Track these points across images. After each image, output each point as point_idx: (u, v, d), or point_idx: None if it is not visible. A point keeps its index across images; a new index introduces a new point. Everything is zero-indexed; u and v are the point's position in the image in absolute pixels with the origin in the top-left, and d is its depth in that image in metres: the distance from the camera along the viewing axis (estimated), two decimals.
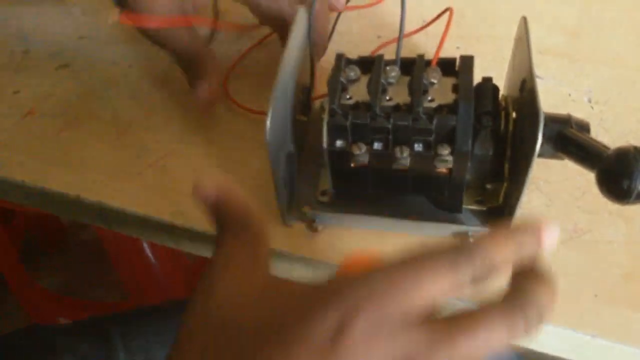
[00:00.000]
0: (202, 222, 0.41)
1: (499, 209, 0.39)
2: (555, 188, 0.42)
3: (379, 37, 0.52)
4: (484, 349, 0.25)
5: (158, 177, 0.44)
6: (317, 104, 0.45)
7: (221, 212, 0.31)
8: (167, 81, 0.50)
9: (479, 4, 0.54)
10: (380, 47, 0.50)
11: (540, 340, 0.37)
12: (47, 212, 0.48)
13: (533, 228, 0.27)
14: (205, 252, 0.42)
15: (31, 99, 0.50)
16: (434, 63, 0.37)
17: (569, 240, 0.39)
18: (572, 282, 0.37)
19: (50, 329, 0.57)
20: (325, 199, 0.41)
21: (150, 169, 0.44)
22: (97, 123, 0.48)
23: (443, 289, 0.26)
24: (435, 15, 0.44)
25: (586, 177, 0.42)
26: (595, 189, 0.42)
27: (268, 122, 0.34)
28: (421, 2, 0.53)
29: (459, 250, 0.26)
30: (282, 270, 0.41)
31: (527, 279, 0.27)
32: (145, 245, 1.00)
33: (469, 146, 0.35)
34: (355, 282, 0.26)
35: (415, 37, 0.49)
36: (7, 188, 0.46)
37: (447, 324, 0.25)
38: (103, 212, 0.43)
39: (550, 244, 0.28)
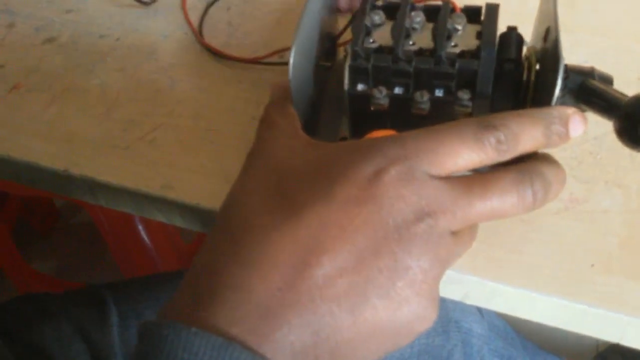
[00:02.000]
0: (192, 196, 0.40)
1: (518, 158, 0.39)
2: None
3: None
4: (497, 212, 0.29)
5: (147, 151, 0.43)
6: (341, 51, 0.45)
7: (273, 92, 0.37)
8: (155, 54, 0.49)
9: None
10: None
11: (538, 310, 0.37)
12: (40, 195, 0.47)
13: (561, 113, 0.31)
14: (196, 226, 0.42)
15: (17, 74, 0.49)
16: (458, 10, 0.38)
17: (565, 210, 0.39)
18: (568, 252, 0.37)
19: (46, 296, 0.57)
20: None
21: (139, 142, 0.44)
22: (85, 97, 0.47)
23: (468, 153, 0.29)
24: None
25: (582, 147, 0.42)
26: (589, 159, 0.42)
27: (291, 65, 0.34)
28: None
29: (485, 121, 0.30)
30: None
31: (539, 159, 0.31)
32: (139, 226, 1.00)
33: (489, 91, 0.35)
34: (389, 141, 0.30)
35: None
36: None
37: (466, 185, 0.29)
38: (92, 187, 0.43)
39: (576, 131, 0.32)
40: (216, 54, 0.49)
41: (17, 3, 0.55)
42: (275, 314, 0.27)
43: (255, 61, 0.48)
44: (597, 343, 1.06)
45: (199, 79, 0.47)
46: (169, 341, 0.26)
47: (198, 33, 0.50)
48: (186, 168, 0.42)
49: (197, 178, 0.41)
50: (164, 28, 0.51)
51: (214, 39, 0.50)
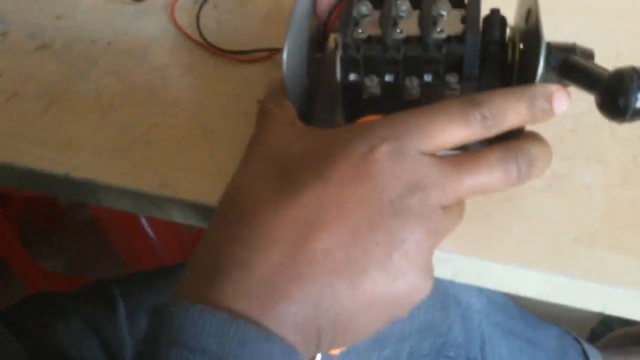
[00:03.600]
0: (189, 192, 0.42)
1: (507, 136, 0.40)
2: None
3: None
4: (484, 186, 0.31)
5: (143, 151, 0.44)
6: (332, 41, 0.46)
7: (270, 86, 0.39)
8: (146, 57, 0.51)
9: None
10: None
11: (525, 284, 0.38)
12: (43, 195, 0.48)
13: (545, 89, 0.33)
14: (194, 220, 0.43)
15: (13, 82, 0.50)
16: None
17: (548, 186, 0.40)
18: (552, 227, 0.38)
19: (59, 295, 0.59)
20: None
21: (136, 143, 0.45)
22: (81, 102, 0.48)
23: (455, 129, 0.31)
24: None
25: (563, 125, 0.43)
26: (571, 136, 0.43)
27: (284, 59, 0.36)
28: None
29: (470, 99, 0.32)
30: None
31: (526, 137, 0.33)
32: (143, 220, 1.01)
33: (476, 73, 0.37)
34: (380, 122, 0.32)
35: None
36: None
37: (455, 162, 0.31)
38: (93, 189, 0.44)
39: (561, 107, 0.33)
40: (210, 51, 0.50)
41: (8, 11, 0.56)
42: (277, 287, 0.29)
43: (250, 59, 0.49)
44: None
45: (191, 78, 0.49)
46: (176, 318, 0.27)
47: (192, 32, 0.52)
48: (182, 166, 0.43)
49: (194, 175, 0.43)
50: (154, 29, 0.53)
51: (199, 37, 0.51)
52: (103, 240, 1.10)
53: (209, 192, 0.42)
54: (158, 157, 0.44)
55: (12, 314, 0.55)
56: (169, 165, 0.44)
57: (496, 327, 0.70)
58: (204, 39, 0.51)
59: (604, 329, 1.04)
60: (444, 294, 0.66)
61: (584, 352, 0.81)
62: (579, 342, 0.82)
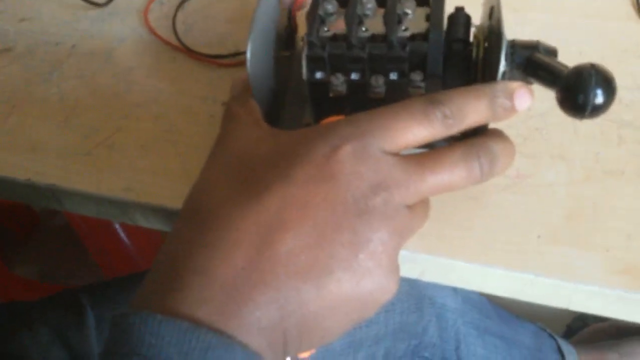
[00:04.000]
0: (153, 196, 0.41)
1: (471, 134, 0.41)
2: None
3: None
4: (447, 184, 0.32)
5: (108, 155, 0.44)
6: (299, 39, 0.46)
7: (234, 87, 0.39)
8: (111, 60, 0.50)
9: None
10: None
11: (490, 283, 0.38)
12: (16, 202, 0.47)
13: (506, 86, 0.33)
14: (158, 225, 0.43)
15: None
16: None
17: (512, 185, 0.40)
18: (515, 225, 0.39)
19: (26, 304, 0.58)
20: None
21: (99, 147, 0.44)
22: (44, 106, 0.47)
23: (417, 128, 0.31)
24: None
25: (526, 124, 0.44)
26: (536, 135, 0.43)
27: (248, 58, 0.36)
28: None
29: (432, 97, 0.32)
30: None
31: (488, 135, 0.34)
32: (117, 226, 1.00)
33: (440, 71, 0.37)
34: (343, 122, 0.32)
35: None
36: None
37: (418, 161, 0.31)
38: (55, 194, 0.43)
39: (523, 103, 0.33)
40: (184, 53, 0.49)
41: None
42: (240, 292, 0.28)
43: (217, 63, 0.49)
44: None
45: (156, 81, 0.48)
46: (136, 329, 0.27)
47: (161, 34, 0.51)
48: (147, 170, 0.43)
49: (159, 179, 0.43)
50: (119, 32, 0.52)
51: (169, 39, 0.51)
52: (78, 247, 1.09)
53: (174, 196, 0.42)
54: (122, 161, 0.44)
55: None
56: (133, 169, 0.43)
57: (471, 326, 0.71)
58: (180, 41, 0.50)
59: (580, 324, 1.05)
60: (419, 295, 0.66)
61: (559, 349, 0.82)
62: (554, 338, 0.82)
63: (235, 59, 0.49)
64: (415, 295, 0.66)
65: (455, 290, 0.71)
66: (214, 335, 0.27)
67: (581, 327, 1.04)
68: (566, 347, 0.82)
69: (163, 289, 0.29)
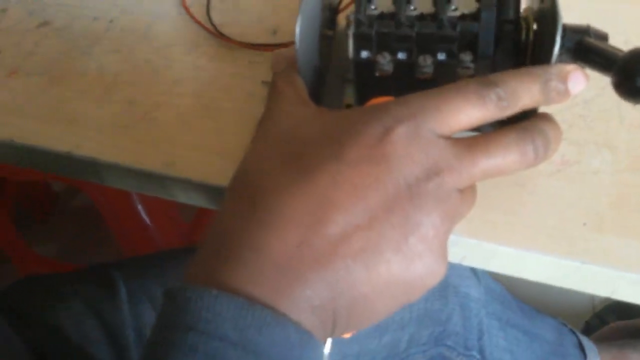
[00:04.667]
0: (193, 172, 0.41)
1: (519, 118, 0.40)
2: None
3: None
4: (500, 168, 0.31)
5: (148, 130, 0.44)
6: (342, 19, 0.45)
7: (277, 60, 0.39)
8: (149, 35, 0.50)
9: None
10: None
11: (533, 269, 0.38)
12: (37, 179, 0.48)
13: (560, 70, 0.33)
14: (198, 200, 0.43)
15: (14, 59, 0.49)
16: None
17: (557, 172, 0.40)
18: (561, 212, 0.38)
19: (54, 276, 0.58)
20: None
21: (140, 122, 0.44)
22: (83, 79, 0.47)
23: (470, 110, 0.31)
24: None
25: (572, 111, 0.43)
26: (580, 122, 0.43)
27: (297, 33, 0.35)
28: None
29: (485, 80, 0.31)
30: None
31: (539, 117, 0.33)
32: (139, 207, 1.01)
33: (490, 52, 0.36)
34: (394, 103, 0.31)
35: None
36: None
37: (470, 144, 0.31)
38: (95, 167, 0.43)
39: (577, 86, 0.33)
40: (212, 34, 0.49)
41: None
42: (293, 270, 0.28)
43: (252, 46, 0.48)
44: (593, 304, 1.08)
45: (195, 58, 0.48)
46: (192, 304, 0.27)
47: (197, 12, 0.51)
48: (187, 145, 0.43)
49: (198, 155, 0.42)
50: (156, 9, 0.52)
51: (205, 21, 0.50)
52: (98, 227, 1.09)
53: (213, 172, 0.41)
54: (162, 136, 0.43)
55: (7, 298, 0.54)
56: (173, 144, 0.43)
57: (494, 317, 0.70)
58: (214, 27, 0.50)
59: (598, 322, 1.04)
60: (444, 283, 0.66)
61: (580, 344, 0.81)
62: (575, 334, 0.82)
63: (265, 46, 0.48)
64: (441, 283, 0.66)
65: (478, 280, 0.70)
66: (269, 312, 0.27)
67: (599, 325, 1.03)
68: (587, 343, 0.82)
69: (217, 263, 0.29)
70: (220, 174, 0.41)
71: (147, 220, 1.02)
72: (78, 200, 1.32)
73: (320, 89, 0.42)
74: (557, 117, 0.42)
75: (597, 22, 0.48)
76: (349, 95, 0.42)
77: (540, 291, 0.41)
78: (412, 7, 0.37)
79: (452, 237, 0.38)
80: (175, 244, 1.07)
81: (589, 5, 0.49)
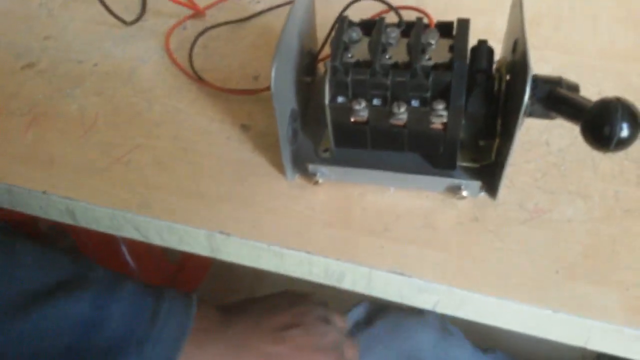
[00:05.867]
0: (167, 213, 0.41)
1: (491, 166, 0.41)
2: (516, 170, 0.43)
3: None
4: None
5: (124, 172, 0.44)
6: (321, 67, 0.47)
7: None
8: (132, 79, 0.51)
9: None
10: (380, 13, 0.51)
11: (505, 317, 0.38)
12: (24, 219, 0.48)
13: None
14: (172, 243, 0.42)
15: None
16: (432, 24, 0.40)
17: (530, 219, 0.40)
18: (534, 260, 0.38)
19: None
20: (326, 155, 0.42)
21: (117, 164, 0.45)
22: (64, 121, 0.48)
23: None
24: None
25: (546, 159, 0.44)
26: (554, 170, 0.43)
27: (273, 76, 0.36)
28: None
29: None
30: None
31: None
32: (123, 248, 1.00)
33: (462, 101, 0.37)
34: None
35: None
36: None
37: None
38: (69, 208, 0.43)
39: None
40: (195, 81, 0.50)
41: None
42: None
43: (232, 91, 0.49)
44: (583, 355, 1.06)
45: (176, 101, 0.49)
46: None
47: (179, 58, 0.52)
48: (163, 187, 0.43)
49: (175, 197, 0.42)
50: (141, 53, 0.53)
51: (187, 66, 0.51)
52: None
53: (188, 214, 0.41)
54: (138, 178, 0.44)
55: None
56: (149, 186, 0.43)
57: None
58: (195, 72, 0.50)
59: None
60: None
61: None
62: None
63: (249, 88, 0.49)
64: None
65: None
66: None
67: None
68: None
69: None
70: (195, 216, 0.41)
71: (132, 262, 1.01)
72: (64, 241, 1.31)
73: (298, 132, 0.43)
74: (531, 165, 0.43)
75: (573, 75, 0.49)
76: (327, 139, 0.42)
77: (528, 342, 0.40)
78: (387, 56, 0.38)
79: (423, 283, 0.38)
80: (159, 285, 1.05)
81: (565, 58, 0.51)
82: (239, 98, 0.48)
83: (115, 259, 1.01)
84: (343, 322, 0.55)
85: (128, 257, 1.01)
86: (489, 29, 0.51)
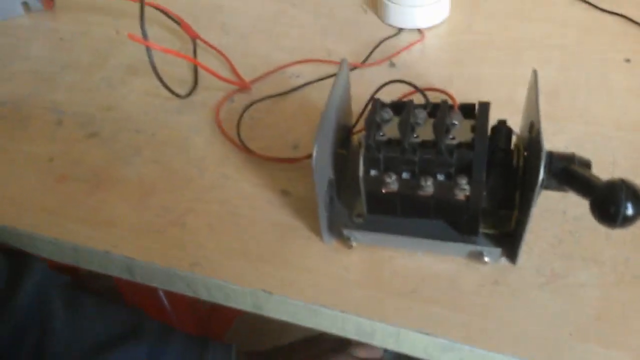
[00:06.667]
0: (217, 272, 0.46)
1: (511, 234, 0.45)
2: (534, 237, 0.46)
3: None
4: None
5: (178, 233, 0.49)
6: (355, 139, 0.51)
7: None
8: (186, 148, 0.56)
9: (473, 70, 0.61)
10: (409, 94, 0.57)
11: None
12: (66, 266, 0.52)
13: None
14: (219, 298, 0.47)
15: (64, 165, 0.56)
16: (456, 107, 0.45)
17: (546, 284, 0.44)
18: (548, 322, 0.42)
19: None
20: (360, 220, 0.47)
21: (171, 226, 0.50)
22: (124, 186, 0.53)
23: None
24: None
25: (562, 227, 0.47)
26: (569, 237, 0.47)
27: (315, 151, 0.41)
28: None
29: None
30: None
31: None
32: (160, 292, 1.04)
33: (483, 177, 0.41)
34: None
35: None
36: (41, 245, 0.51)
37: None
38: (129, 266, 0.48)
39: None
40: (240, 148, 0.55)
41: (64, 102, 0.62)
42: None
43: (274, 159, 0.54)
44: None
45: (224, 168, 0.54)
46: None
47: (229, 129, 0.57)
48: (212, 247, 0.48)
49: (223, 257, 0.47)
50: (194, 124, 0.58)
51: (235, 136, 0.57)
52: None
53: (234, 273, 0.46)
54: (190, 239, 0.49)
55: None
56: (200, 247, 0.48)
57: None
58: (241, 142, 0.56)
59: None
60: None
61: None
62: None
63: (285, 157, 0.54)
64: None
65: None
66: None
67: None
68: None
69: None
70: (241, 274, 0.46)
71: (167, 304, 1.06)
72: (102, 281, 1.36)
73: (334, 199, 0.47)
74: (549, 232, 0.47)
75: (589, 144, 0.53)
76: (360, 206, 0.47)
77: None
78: (415, 135, 0.43)
79: (448, 343, 0.41)
80: (191, 329, 1.09)
81: (582, 129, 0.54)
82: (280, 165, 0.53)
83: (152, 301, 1.05)
84: None
85: (164, 299, 1.06)
86: (510, 98, 0.55)
